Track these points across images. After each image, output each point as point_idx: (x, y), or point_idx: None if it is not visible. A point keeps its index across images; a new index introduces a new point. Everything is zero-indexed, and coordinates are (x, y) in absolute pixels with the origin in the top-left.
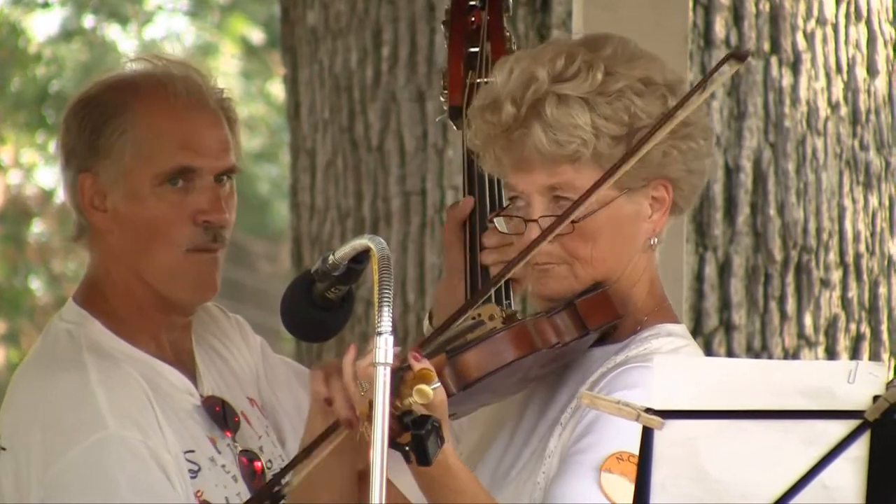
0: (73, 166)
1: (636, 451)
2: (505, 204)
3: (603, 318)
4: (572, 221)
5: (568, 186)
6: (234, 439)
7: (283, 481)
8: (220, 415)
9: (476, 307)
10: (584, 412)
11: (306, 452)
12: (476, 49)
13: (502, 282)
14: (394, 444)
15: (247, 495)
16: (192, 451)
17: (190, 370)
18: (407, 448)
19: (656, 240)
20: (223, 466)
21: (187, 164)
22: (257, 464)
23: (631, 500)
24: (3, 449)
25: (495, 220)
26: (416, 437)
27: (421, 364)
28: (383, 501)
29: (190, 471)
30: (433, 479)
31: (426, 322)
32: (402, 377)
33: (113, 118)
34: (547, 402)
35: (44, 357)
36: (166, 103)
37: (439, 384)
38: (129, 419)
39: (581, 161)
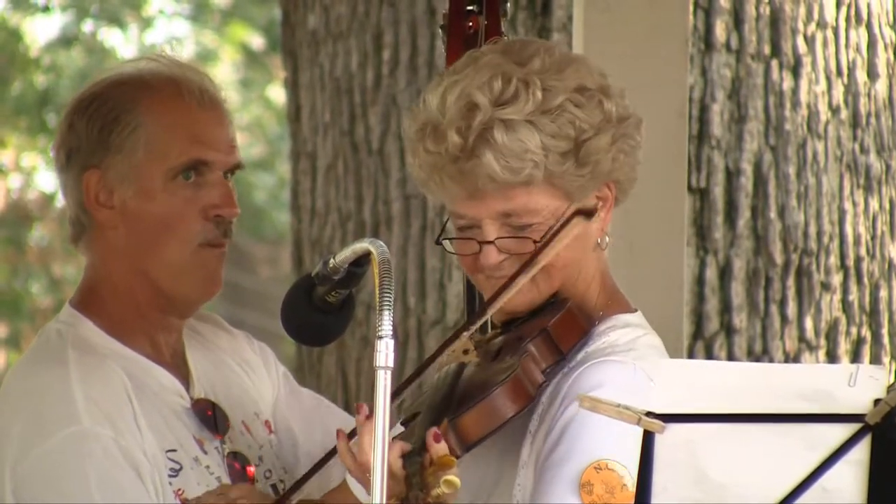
0: (76, 164)
1: (613, 457)
2: (452, 228)
3: (575, 338)
4: (534, 241)
5: (523, 210)
6: (224, 442)
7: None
8: (211, 418)
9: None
10: (553, 417)
11: (315, 469)
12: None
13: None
14: None
15: None
16: (174, 451)
17: (183, 373)
18: None
19: (606, 239)
20: (207, 467)
21: (201, 157)
22: (249, 469)
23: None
24: None
25: (444, 241)
26: None
27: (440, 448)
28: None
29: (171, 469)
30: None
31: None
32: (420, 463)
33: (124, 114)
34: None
35: (30, 355)
36: (179, 100)
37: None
38: (104, 416)
39: (534, 183)
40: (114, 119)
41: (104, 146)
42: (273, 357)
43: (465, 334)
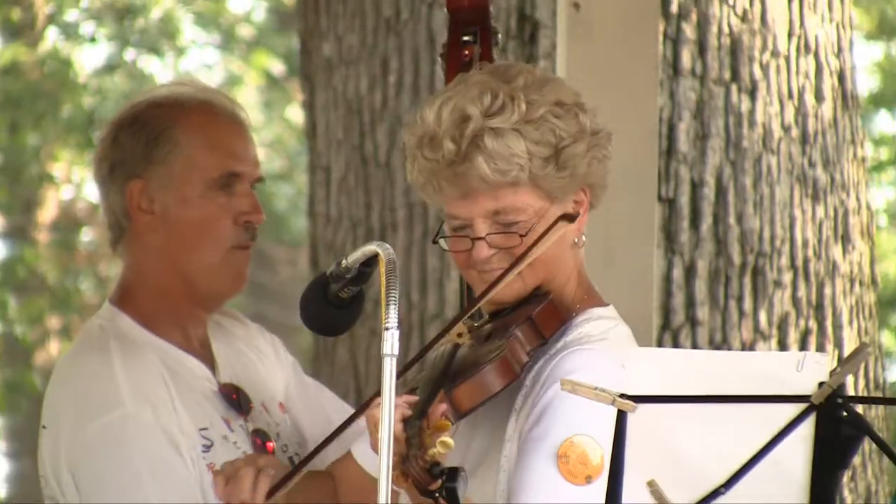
0: (120, 174)
1: (588, 433)
2: (446, 229)
3: (555, 325)
4: (520, 235)
5: (510, 208)
6: (247, 421)
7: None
8: (236, 400)
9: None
10: (535, 398)
11: (325, 444)
12: None
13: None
14: (424, 491)
15: None
16: (206, 429)
17: (209, 360)
18: (437, 494)
19: (582, 238)
20: (234, 443)
21: (234, 170)
22: (269, 444)
23: (594, 475)
24: (45, 427)
25: (440, 241)
26: (449, 489)
27: (439, 415)
28: (389, 496)
29: (203, 445)
30: None
31: None
32: (420, 427)
33: (165, 131)
34: (500, 397)
35: (77, 347)
36: (213, 120)
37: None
38: (144, 399)
39: (520, 184)
40: (156, 136)
41: (147, 159)
42: (283, 347)
43: (461, 322)
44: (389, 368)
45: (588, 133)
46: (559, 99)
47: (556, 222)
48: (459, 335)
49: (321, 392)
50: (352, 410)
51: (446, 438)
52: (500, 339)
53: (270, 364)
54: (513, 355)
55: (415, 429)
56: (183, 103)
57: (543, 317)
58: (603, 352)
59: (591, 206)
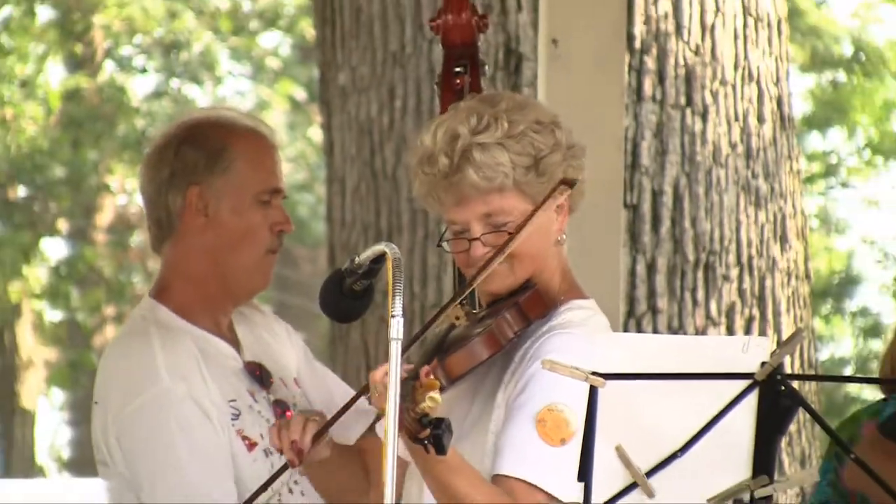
0: (181, 180)
1: (564, 402)
2: (448, 234)
3: (540, 311)
4: (509, 233)
5: (499, 210)
6: (269, 393)
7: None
8: (259, 376)
9: (447, 309)
10: (522, 373)
11: (335, 419)
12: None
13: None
14: (415, 439)
15: None
16: (234, 400)
17: (234, 342)
18: (426, 442)
19: (563, 237)
20: (259, 412)
21: (277, 185)
22: (288, 412)
23: (568, 439)
24: (96, 403)
25: (444, 243)
26: (435, 435)
27: (426, 374)
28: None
29: (232, 414)
30: (443, 462)
31: None
32: (413, 385)
33: (223, 148)
34: (492, 371)
35: (122, 334)
36: (260, 142)
37: (443, 388)
38: (180, 376)
39: (506, 189)
40: (215, 151)
41: (207, 170)
42: (294, 333)
43: (460, 308)
44: (396, 350)
45: (563, 146)
46: (538, 118)
47: (557, 186)
48: (457, 318)
49: (326, 373)
50: (352, 389)
51: (434, 394)
52: (490, 320)
53: (285, 346)
54: (499, 331)
55: (409, 386)
56: (236, 126)
57: (529, 303)
58: (580, 336)
59: (571, 210)
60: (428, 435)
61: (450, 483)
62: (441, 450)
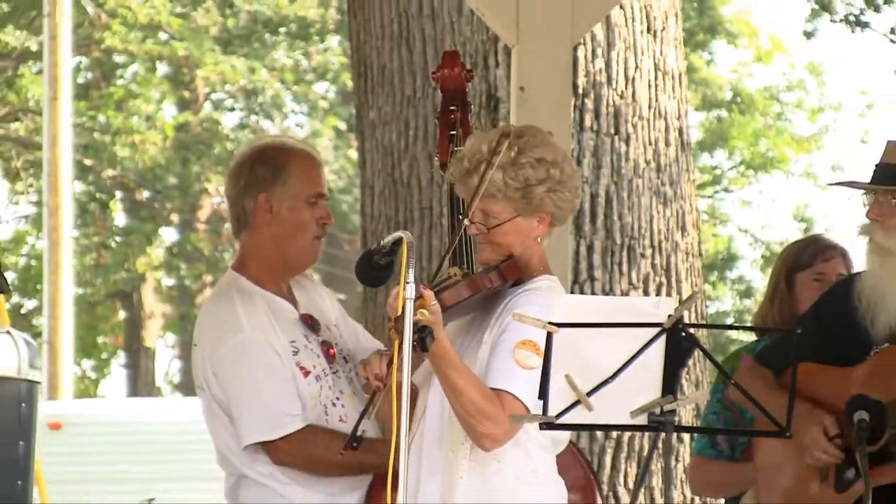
0: (254, 189)
1: (534, 339)
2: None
3: (514, 275)
4: (488, 228)
5: (489, 211)
6: (318, 335)
7: (360, 431)
8: (311, 324)
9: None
10: (503, 320)
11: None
12: (454, 132)
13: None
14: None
15: (326, 366)
16: (294, 341)
17: (292, 300)
18: (414, 344)
19: (544, 238)
20: (311, 349)
21: (321, 191)
22: (331, 350)
23: (534, 366)
24: (195, 345)
25: (465, 221)
26: (420, 338)
27: (425, 295)
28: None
29: (293, 351)
30: (437, 357)
31: None
32: (415, 303)
33: (284, 166)
34: (483, 317)
35: (213, 295)
36: (309, 161)
37: (435, 305)
38: (257, 326)
39: (496, 198)
40: (278, 168)
41: (272, 181)
42: (331, 294)
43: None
44: (410, 308)
45: (553, 181)
46: (542, 157)
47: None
48: (456, 275)
49: (356, 325)
50: (375, 340)
51: (423, 310)
52: (475, 274)
53: (326, 304)
54: (480, 280)
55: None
56: (291, 149)
57: (507, 268)
58: (544, 296)
59: (552, 225)
60: (416, 339)
61: (449, 377)
62: (424, 348)
